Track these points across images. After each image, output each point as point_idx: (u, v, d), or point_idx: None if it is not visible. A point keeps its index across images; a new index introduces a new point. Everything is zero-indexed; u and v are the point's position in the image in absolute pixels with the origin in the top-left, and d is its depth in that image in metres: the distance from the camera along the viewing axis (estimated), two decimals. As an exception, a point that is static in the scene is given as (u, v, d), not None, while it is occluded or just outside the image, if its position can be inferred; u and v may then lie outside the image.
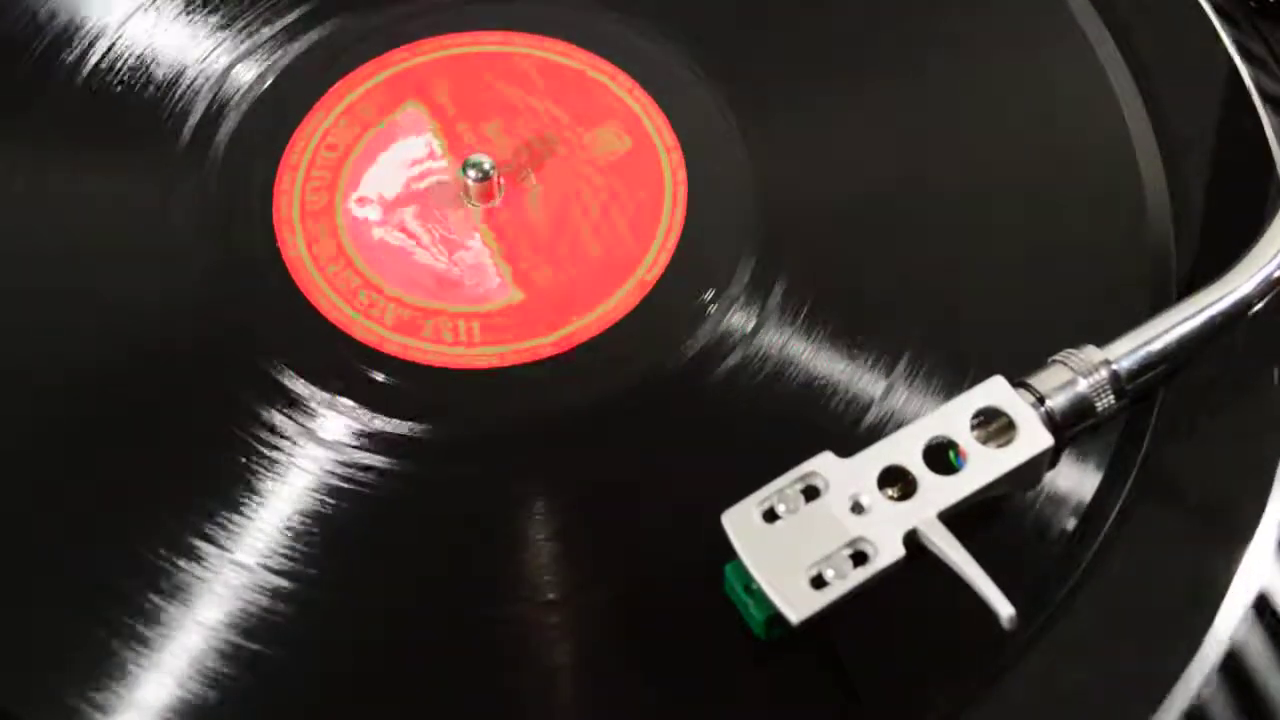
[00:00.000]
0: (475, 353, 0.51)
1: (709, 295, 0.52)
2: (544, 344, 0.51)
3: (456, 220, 0.55)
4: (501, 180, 0.55)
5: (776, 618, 0.42)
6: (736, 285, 0.52)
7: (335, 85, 0.58)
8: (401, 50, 0.59)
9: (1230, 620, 0.45)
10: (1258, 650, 0.46)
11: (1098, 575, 0.46)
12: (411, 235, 0.55)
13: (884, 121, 0.56)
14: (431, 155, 0.56)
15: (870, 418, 0.49)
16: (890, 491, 0.44)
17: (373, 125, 0.57)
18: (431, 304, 0.53)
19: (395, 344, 0.51)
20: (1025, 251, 0.53)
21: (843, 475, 0.44)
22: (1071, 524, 0.47)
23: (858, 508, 0.43)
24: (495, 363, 0.51)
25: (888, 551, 0.42)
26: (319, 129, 0.57)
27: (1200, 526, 0.47)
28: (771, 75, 0.57)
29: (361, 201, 0.55)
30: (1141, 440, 0.49)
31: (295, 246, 0.54)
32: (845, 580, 0.42)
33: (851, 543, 0.43)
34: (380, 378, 0.51)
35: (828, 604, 0.42)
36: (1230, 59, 0.56)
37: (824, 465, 0.44)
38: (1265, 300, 0.48)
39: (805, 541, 0.43)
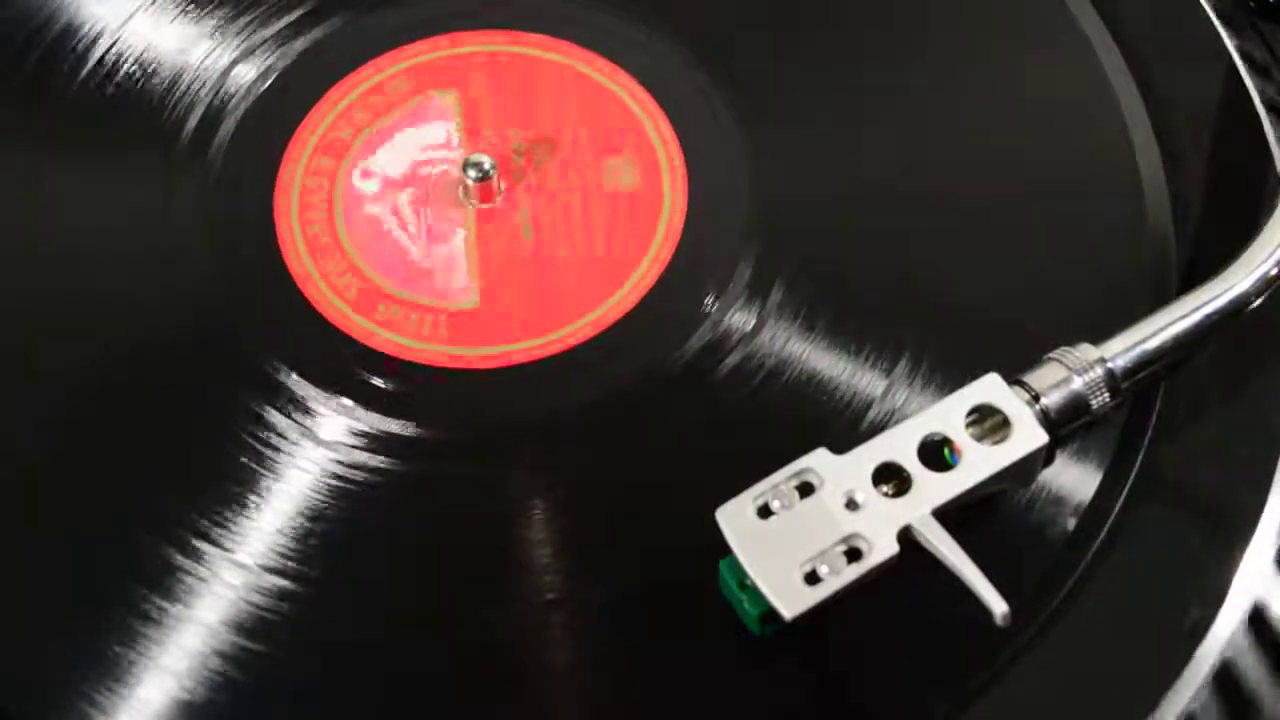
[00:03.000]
0: (475, 352, 0.51)
1: (709, 298, 0.52)
2: (544, 344, 0.51)
3: (448, 214, 0.55)
4: (502, 183, 0.55)
5: (771, 614, 0.42)
6: (736, 285, 0.52)
7: (336, 85, 0.58)
8: (402, 51, 0.59)
9: (1231, 620, 0.45)
10: (1258, 649, 0.45)
11: (1098, 575, 0.46)
12: (400, 218, 0.55)
13: (884, 121, 0.56)
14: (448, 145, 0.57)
15: (870, 417, 0.49)
16: (885, 488, 0.44)
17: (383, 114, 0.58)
18: (397, 291, 0.53)
19: (396, 344, 0.51)
20: (1026, 251, 0.53)
21: (837, 471, 0.44)
22: (1071, 524, 0.47)
23: (852, 504, 0.43)
24: (495, 363, 0.51)
25: (882, 548, 0.42)
26: (319, 128, 0.57)
27: (1200, 526, 0.47)
28: (772, 75, 0.58)
29: (365, 174, 0.56)
30: (1141, 440, 0.48)
31: (295, 246, 0.54)
32: (839, 576, 0.42)
33: (846, 539, 0.43)
34: (380, 378, 0.51)
35: (821, 600, 0.42)
36: (1230, 59, 0.56)
37: (819, 461, 0.44)
38: (1262, 298, 0.48)
39: (799, 537, 0.43)
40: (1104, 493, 0.48)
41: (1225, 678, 0.45)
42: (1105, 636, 0.45)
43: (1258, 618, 0.46)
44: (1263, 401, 0.49)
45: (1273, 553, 0.46)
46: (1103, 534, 0.47)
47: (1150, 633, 0.45)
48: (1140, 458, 0.48)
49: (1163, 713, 0.44)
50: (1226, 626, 0.45)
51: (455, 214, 0.55)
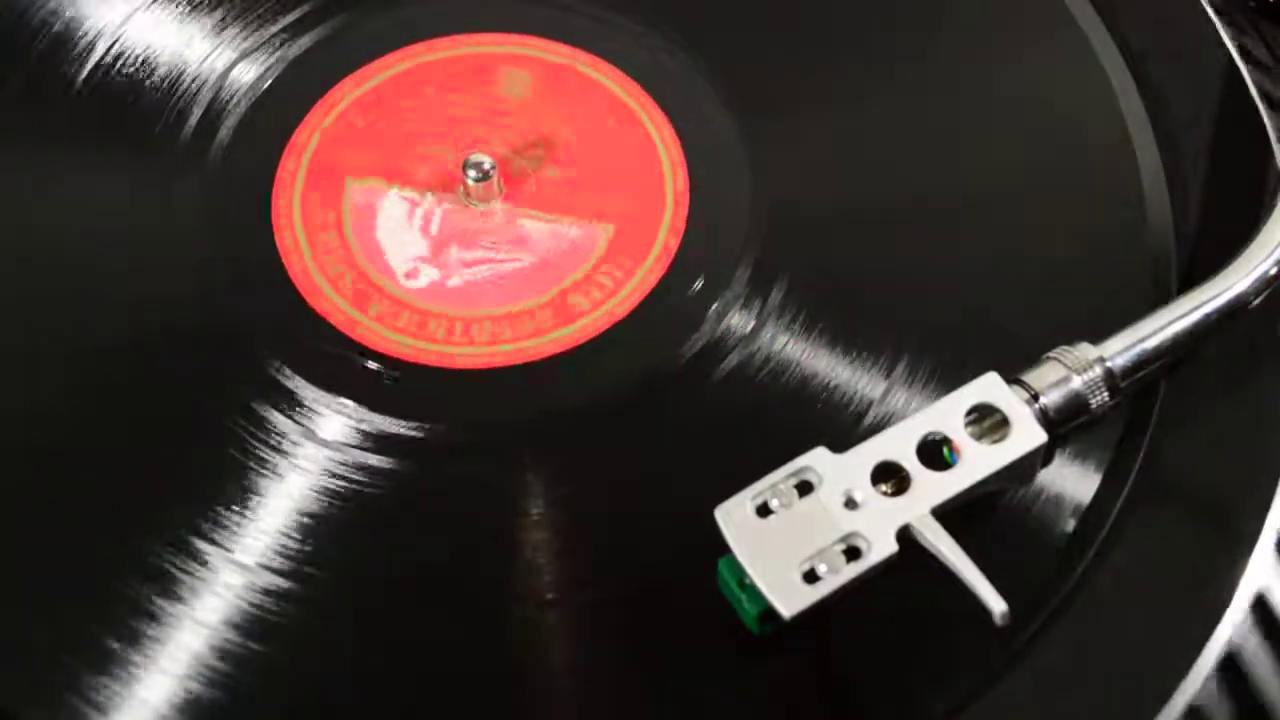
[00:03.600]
0: (475, 352, 0.51)
1: (709, 298, 0.52)
2: (544, 344, 0.51)
3: (458, 218, 0.55)
4: (501, 182, 0.55)
5: (769, 613, 0.42)
6: (736, 285, 0.52)
7: (336, 85, 0.58)
8: (402, 52, 0.59)
9: (1231, 620, 0.45)
10: (1258, 650, 0.45)
11: (1097, 575, 0.46)
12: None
13: (884, 122, 0.56)
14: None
15: (870, 418, 0.49)
16: (884, 487, 0.44)
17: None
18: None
19: (396, 343, 0.51)
20: (1026, 251, 0.53)
21: (836, 470, 0.44)
22: (1071, 524, 0.47)
23: (851, 503, 0.43)
24: (495, 362, 0.51)
25: (881, 547, 0.42)
26: (319, 128, 0.57)
27: (1200, 527, 0.47)
28: (772, 76, 0.58)
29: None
30: (1141, 440, 0.48)
31: (296, 246, 0.54)
32: (838, 575, 0.42)
33: (845, 538, 0.43)
34: (380, 378, 0.51)
35: (820, 599, 0.42)
36: (1230, 59, 0.56)
37: (818, 460, 0.44)
38: (1261, 297, 0.48)
39: (798, 536, 0.43)
40: (1104, 493, 0.48)
41: (1229, 676, 0.45)
42: (1104, 637, 0.45)
43: (1259, 615, 0.46)
44: (1263, 401, 0.49)
45: (1273, 552, 0.46)
46: (1103, 534, 0.47)
47: (1150, 633, 0.45)
48: (1140, 458, 0.48)
49: (1164, 714, 0.44)
50: (1228, 626, 0.45)
51: (464, 217, 0.55)
